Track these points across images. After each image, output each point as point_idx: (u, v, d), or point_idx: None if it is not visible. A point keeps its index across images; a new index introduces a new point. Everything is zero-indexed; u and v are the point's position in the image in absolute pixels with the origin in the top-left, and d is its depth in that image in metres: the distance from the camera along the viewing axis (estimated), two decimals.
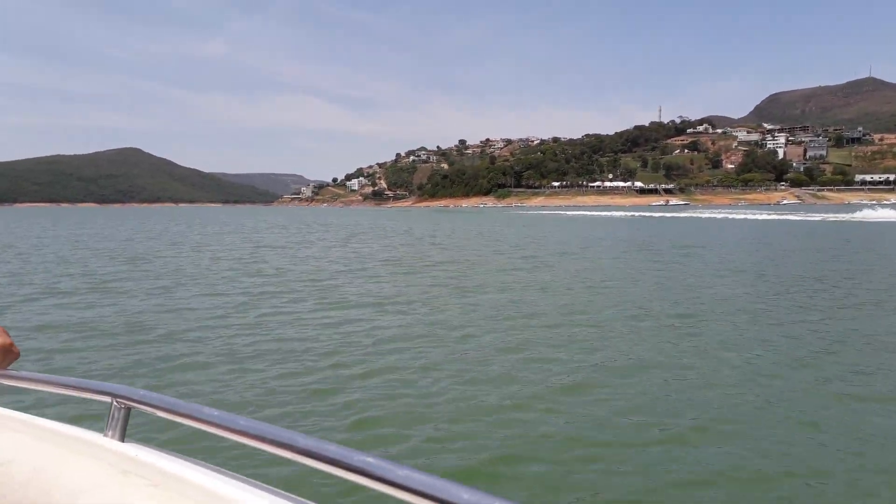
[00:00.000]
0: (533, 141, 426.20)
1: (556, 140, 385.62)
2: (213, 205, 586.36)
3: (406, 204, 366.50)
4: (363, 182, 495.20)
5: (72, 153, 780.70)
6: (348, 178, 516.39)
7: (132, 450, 0.90)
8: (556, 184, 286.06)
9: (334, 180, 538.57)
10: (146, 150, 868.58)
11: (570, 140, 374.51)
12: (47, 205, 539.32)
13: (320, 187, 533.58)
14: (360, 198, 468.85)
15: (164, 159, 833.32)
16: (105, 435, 0.97)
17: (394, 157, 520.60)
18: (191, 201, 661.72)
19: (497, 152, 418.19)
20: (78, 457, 0.90)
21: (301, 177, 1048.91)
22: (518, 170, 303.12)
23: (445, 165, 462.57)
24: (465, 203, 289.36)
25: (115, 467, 0.86)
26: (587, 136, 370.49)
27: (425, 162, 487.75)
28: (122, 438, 0.97)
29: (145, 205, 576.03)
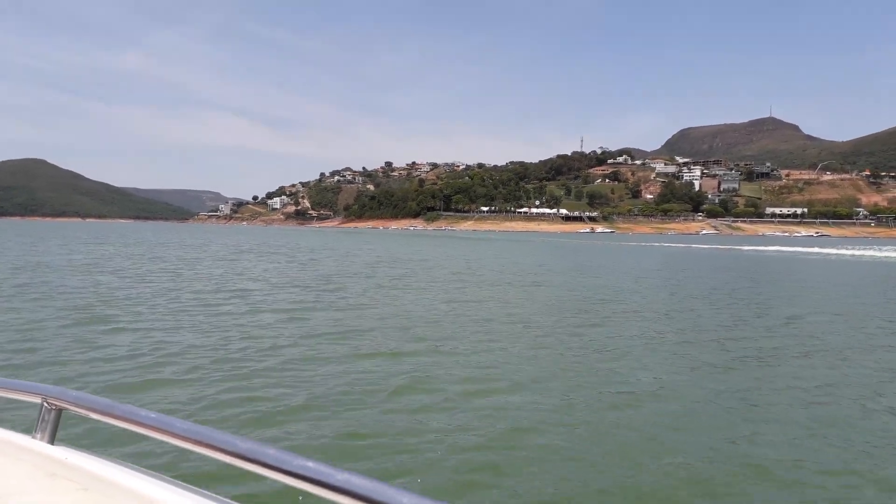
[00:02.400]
0: (458, 166, 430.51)
1: (481, 166, 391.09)
2: (122, 220, 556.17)
3: (332, 224, 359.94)
4: (286, 201, 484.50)
5: None
6: (270, 196, 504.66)
7: (62, 452, 0.86)
8: (484, 208, 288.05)
9: (255, 198, 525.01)
10: (52, 161, 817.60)
11: (496, 166, 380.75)
12: None
13: (239, 205, 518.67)
14: (282, 217, 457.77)
15: (71, 172, 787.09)
16: (34, 437, 0.93)
17: (318, 177, 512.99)
18: (99, 216, 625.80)
19: (423, 175, 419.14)
20: (3, 459, 0.86)
21: (218, 194, 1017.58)
22: (447, 193, 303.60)
23: (371, 187, 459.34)
24: (394, 225, 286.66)
25: (42, 470, 0.82)
26: (512, 163, 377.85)
27: (350, 182, 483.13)
28: (52, 441, 0.93)
29: (48, 219, 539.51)
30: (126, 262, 28.57)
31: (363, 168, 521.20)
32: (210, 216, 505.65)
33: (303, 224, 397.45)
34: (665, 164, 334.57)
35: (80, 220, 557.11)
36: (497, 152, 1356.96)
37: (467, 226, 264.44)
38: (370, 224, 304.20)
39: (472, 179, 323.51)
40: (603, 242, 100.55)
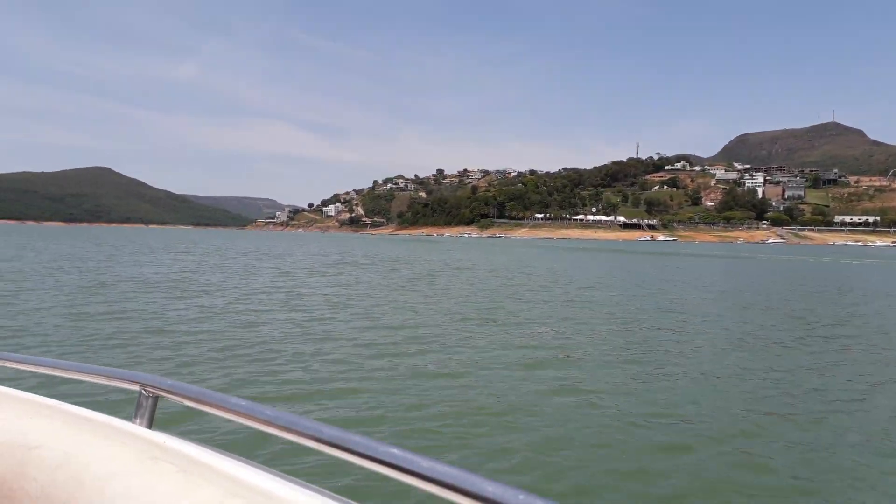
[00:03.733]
0: (510, 173, 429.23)
1: (533, 172, 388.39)
2: (183, 227, 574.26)
3: (386, 231, 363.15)
4: (340, 208, 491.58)
5: (40, 170, 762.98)
6: (325, 203, 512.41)
7: (160, 437, 0.90)
8: (539, 216, 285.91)
9: (310, 205, 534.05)
10: (116, 170, 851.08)
11: (548, 173, 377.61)
12: (12, 222, 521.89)
13: (295, 212, 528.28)
14: (336, 224, 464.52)
15: (135, 179, 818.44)
16: (133, 422, 0.98)
17: (370, 185, 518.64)
18: (161, 223, 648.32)
19: (475, 182, 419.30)
20: (107, 442, 0.91)
21: (274, 201, 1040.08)
22: (501, 201, 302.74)
23: (423, 194, 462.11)
24: (447, 232, 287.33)
25: (144, 453, 0.86)
26: (565, 169, 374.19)
27: (403, 190, 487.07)
28: (150, 426, 0.98)
29: (114, 225, 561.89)
30: (240, 279, 24.00)
31: (415, 175, 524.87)
32: (267, 223, 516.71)
33: (357, 231, 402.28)
34: (726, 171, 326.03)
35: (143, 226, 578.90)
36: (547, 158, 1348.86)
37: (521, 233, 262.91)
38: (423, 231, 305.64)
39: (525, 186, 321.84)
40: (699, 255, 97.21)
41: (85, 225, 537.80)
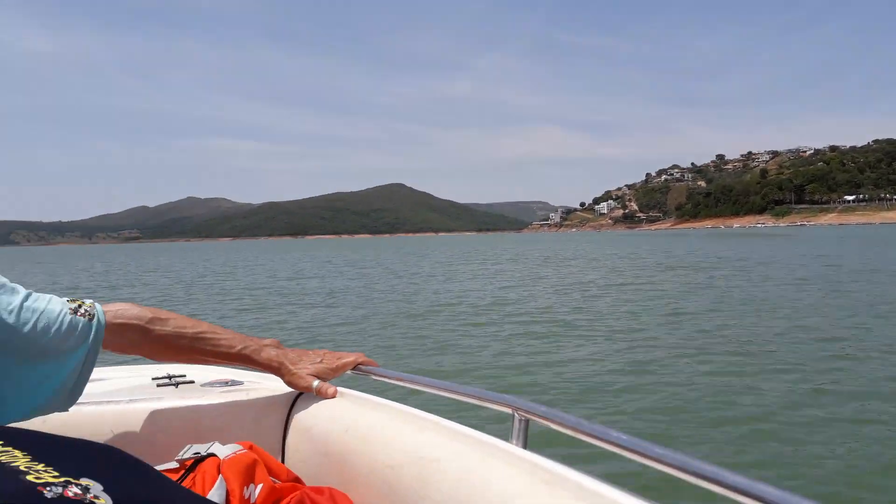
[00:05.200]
0: (805, 151, 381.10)
1: (834, 149, 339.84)
2: (467, 233, 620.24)
3: (664, 226, 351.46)
4: (612, 205, 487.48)
5: (348, 190, 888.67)
6: (596, 201, 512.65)
7: (545, 462, 0.91)
8: (849, 197, 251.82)
9: (582, 205, 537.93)
10: (409, 184, 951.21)
11: (854, 147, 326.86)
12: (330, 237, 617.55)
13: (568, 212, 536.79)
14: (609, 221, 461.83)
15: (424, 192, 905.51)
16: (511, 443, 1.01)
17: (643, 178, 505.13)
18: (448, 231, 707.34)
19: (762, 165, 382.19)
20: (498, 462, 0.94)
21: (546, 203, 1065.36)
22: (798, 183, 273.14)
23: (702, 183, 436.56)
24: (736, 223, 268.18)
25: (536, 476, 0.88)
26: (877, 142, 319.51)
27: (679, 180, 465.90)
28: (525, 447, 1.01)
29: (409, 234, 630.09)
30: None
31: (692, 164, 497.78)
32: (542, 225, 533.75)
33: (631, 228, 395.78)
34: None
35: (433, 234, 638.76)
36: (849, 132, 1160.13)
37: (828, 219, 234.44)
38: (708, 223, 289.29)
39: (828, 164, 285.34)
40: None
41: (386, 236, 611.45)
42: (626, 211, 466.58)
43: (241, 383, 1.55)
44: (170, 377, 1.57)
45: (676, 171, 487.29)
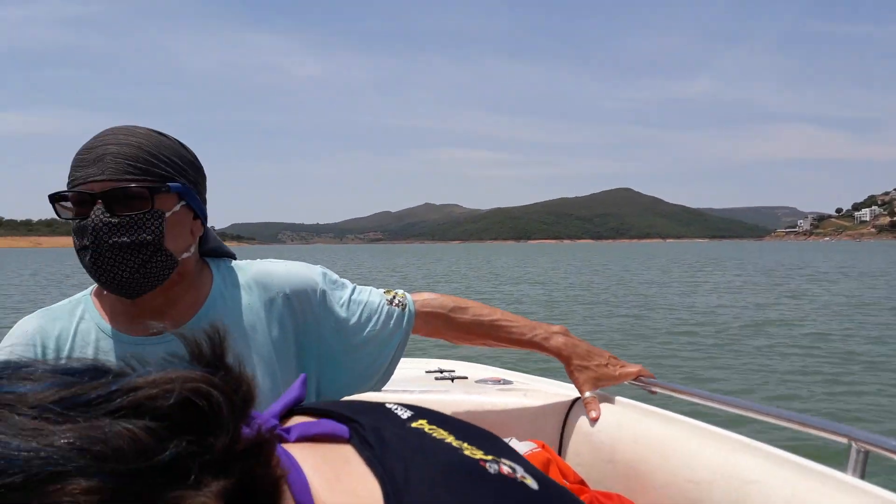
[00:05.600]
0: None
1: None
2: (699, 240, 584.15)
3: None
4: (876, 212, 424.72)
5: (572, 196, 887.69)
6: (856, 207, 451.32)
7: (889, 495, 0.85)
8: None
9: (838, 211, 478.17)
10: (636, 189, 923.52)
11: None
12: (552, 241, 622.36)
13: (820, 219, 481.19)
14: (872, 230, 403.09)
15: (652, 197, 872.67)
16: (846, 474, 0.95)
17: None
18: (677, 237, 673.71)
19: None
20: (833, 492, 0.89)
21: (794, 209, 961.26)
22: None
23: None
24: None
25: None
26: None
27: None
28: (863, 479, 0.95)
29: (634, 241, 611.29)
30: None
31: None
32: (787, 233, 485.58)
33: None
34: None
35: (660, 240, 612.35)
36: None
37: None
38: None
39: None
40: None
41: (609, 242, 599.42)
42: (895, 219, 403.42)
43: (511, 382, 1.59)
44: (441, 371, 1.64)
45: None
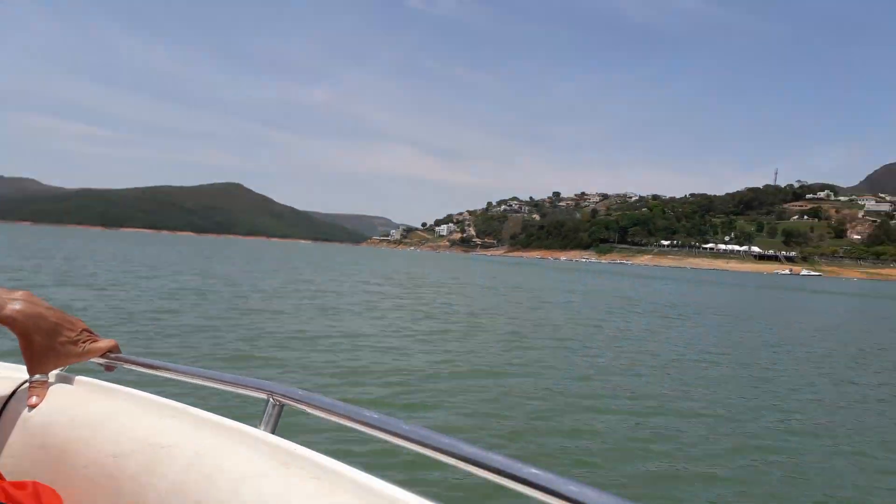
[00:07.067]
0: (631, 197, 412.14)
1: (656, 198, 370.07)
2: (303, 241, 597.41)
3: (497, 253, 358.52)
4: (452, 228, 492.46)
5: (178, 185, 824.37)
6: (438, 223, 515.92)
7: (289, 444, 0.92)
8: (665, 242, 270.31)
9: (423, 225, 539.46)
10: (246, 185, 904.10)
11: (673, 198, 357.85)
12: (149, 231, 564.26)
13: (409, 231, 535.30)
14: (447, 243, 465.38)
15: (263, 195, 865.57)
16: (259, 429, 0.99)
17: (484, 206, 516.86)
18: (283, 237, 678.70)
19: (592, 206, 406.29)
20: (238, 446, 0.93)
21: (388, 220, 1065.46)
22: (623, 225, 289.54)
23: (537, 216, 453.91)
24: (563, 256, 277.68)
25: (275, 458, 0.88)
26: (693, 195, 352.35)
27: (516, 212, 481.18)
28: (274, 433, 1.00)
29: (239, 237, 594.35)
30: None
31: (530, 198, 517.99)
32: (381, 240, 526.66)
33: (467, 251, 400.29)
34: (877, 201, 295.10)
35: (266, 238, 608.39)
36: (671, 184, 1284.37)
37: (644, 260, 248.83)
38: (537, 254, 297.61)
39: (650, 211, 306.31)
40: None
41: (212, 236, 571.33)
42: (465, 235, 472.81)
43: None
44: None
45: (515, 202, 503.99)
